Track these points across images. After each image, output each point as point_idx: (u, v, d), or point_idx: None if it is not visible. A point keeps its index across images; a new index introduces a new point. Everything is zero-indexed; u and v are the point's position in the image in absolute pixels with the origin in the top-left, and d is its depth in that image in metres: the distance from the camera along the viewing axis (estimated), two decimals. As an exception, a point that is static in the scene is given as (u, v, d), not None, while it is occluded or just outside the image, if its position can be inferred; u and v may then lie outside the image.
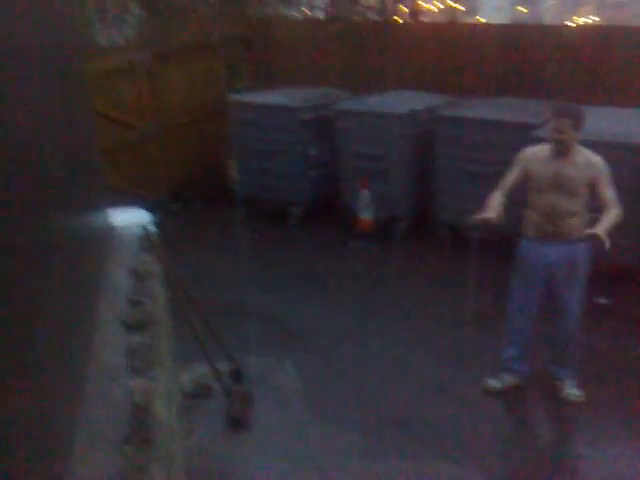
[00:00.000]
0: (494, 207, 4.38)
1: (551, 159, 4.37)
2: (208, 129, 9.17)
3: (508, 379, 4.76)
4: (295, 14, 11.31)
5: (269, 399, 4.65)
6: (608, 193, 4.30)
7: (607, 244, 3.98)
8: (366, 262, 7.33)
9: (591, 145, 5.99)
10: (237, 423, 4.30)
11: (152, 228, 4.08)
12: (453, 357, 5.24)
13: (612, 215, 4.21)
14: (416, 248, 7.41)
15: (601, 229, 4.06)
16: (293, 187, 8.12)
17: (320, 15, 10.70)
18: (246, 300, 6.26)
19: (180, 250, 7.14)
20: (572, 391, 4.63)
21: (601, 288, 5.86)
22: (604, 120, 6.51)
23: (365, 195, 7.54)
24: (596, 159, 4.35)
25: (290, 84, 9.14)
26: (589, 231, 4.09)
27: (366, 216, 7.60)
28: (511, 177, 4.51)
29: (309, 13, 11.07)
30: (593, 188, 4.31)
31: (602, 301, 5.94)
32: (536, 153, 4.48)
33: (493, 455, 4.23)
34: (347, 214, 7.84)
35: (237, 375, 4.71)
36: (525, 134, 6.40)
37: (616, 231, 5.93)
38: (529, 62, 8.19)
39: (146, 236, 3.94)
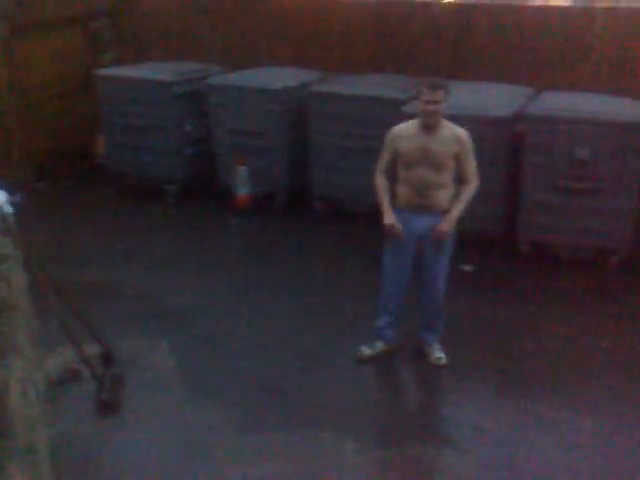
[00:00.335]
0: (389, 211, 4.55)
1: (419, 134, 4.48)
2: (74, 104, 8.74)
3: (379, 346, 4.89)
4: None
5: (142, 381, 4.55)
6: (470, 167, 4.52)
7: (448, 236, 4.50)
8: (245, 238, 7.30)
9: (455, 119, 6.28)
10: (107, 407, 4.16)
11: (8, 209, 3.81)
12: (332, 328, 5.32)
13: (467, 192, 4.52)
14: (294, 222, 7.44)
15: (449, 221, 4.47)
16: (168, 164, 7.89)
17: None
18: (120, 280, 6.07)
19: (46, 230, 6.85)
20: (440, 354, 4.82)
21: (465, 256, 6.10)
22: (468, 95, 6.77)
23: (242, 171, 7.46)
24: (461, 132, 4.51)
25: (161, 58, 8.84)
26: (437, 232, 4.48)
27: (243, 192, 7.52)
28: (385, 159, 4.64)
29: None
30: (458, 161, 4.47)
31: (466, 268, 6.21)
32: (404, 129, 4.58)
33: (366, 422, 4.34)
34: (224, 191, 7.74)
35: (107, 358, 4.56)
36: (395, 109, 6.55)
37: (478, 201, 6.27)
38: (399, 38, 8.31)
39: (1, 217, 3.69)
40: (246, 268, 6.41)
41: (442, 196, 4.52)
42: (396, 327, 4.91)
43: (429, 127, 4.43)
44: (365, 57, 8.50)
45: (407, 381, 5.00)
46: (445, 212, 4.54)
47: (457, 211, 4.51)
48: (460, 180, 4.57)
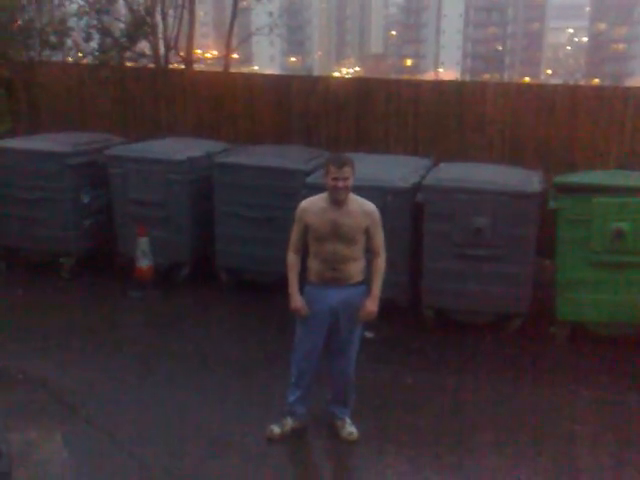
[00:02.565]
0: (296, 295, 4.48)
1: (328, 208, 4.41)
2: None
3: (289, 422, 4.68)
4: (68, 58, 10.70)
5: (32, 476, 4.10)
6: (379, 240, 4.52)
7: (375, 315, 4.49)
8: (147, 312, 6.96)
9: (358, 189, 6.31)
10: (-8, 511, 3.71)
11: None
12: (239, 406, 5.06)
13: (381, 266, 4.53)
14: (198, 294, 7.19)
15: (374, 300, 4.46)
16: (63, 237, 7.50)
17: (90, 60, 10.22)
18: (9, 364, 5.56)
19: None
20: (351, 429, 4.66)
21: (371, 323, 6.08)
22: (369, 166, 6.85)
23: (143, 242, 7.18)
24: (370, 207, 4.48)
25: (59, 129, 8.54)
26: (365, 312, 4.46)
27: (145, 264, 7.22)
28: (295, 234, 4.54)
29: (79, 56, 10.53)
30: (367, 234, 4.45)
31: (368, 335, 6.12)
32: (312, 203, 4.50)
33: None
34: (125, 262, 7.41)
35: (-7, 453, 4.09)
36: (298, 180, 6.55)
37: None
38: (301, 111, 8.42)
39: None
40: (148, 345, 6.06)
41: (354, 269, 4.46)
42: (307, 403, 4.73)
43: (338, 202, 4.40)
44: (269, 128, 8.54)
45: (319, 459, 4.77)
46: (357, 284, 4.49)
47: (378, 288, 4.46)
48: (369, 252, 4.53)
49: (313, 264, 4.51)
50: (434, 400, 5.25)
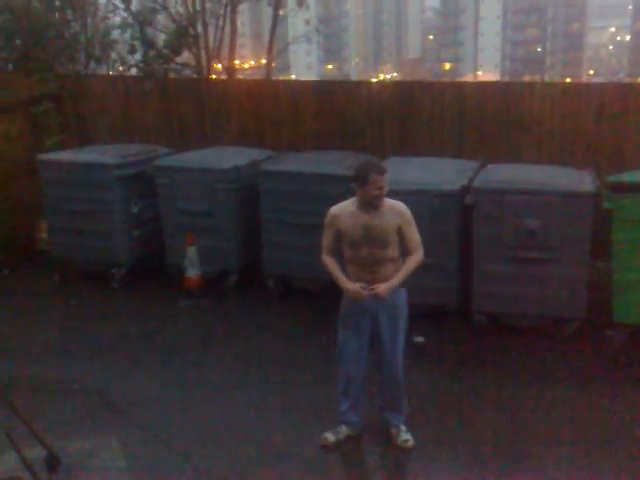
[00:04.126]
0: (347, 282, 4.41)
1: (359, 213, 4.37)
2: (15, 190, 8.43)
3: (344, 431, 4.63)
4: (110, 72, 10.88)
5: (91, 485, 4.14)
6: (413, 238, 4.44)
7: (386, 297, 4.35)
8: (196, 321, 6.97)
9: (406, 194, 6.25)
10: (53, 518, 3.75)
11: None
12: (290, 415, 5.02)
13: (411, 262, 4.43)
14: (246, 302, 7.20)
15: (388, 286, 4.34)
16: (113, 247, 7.60)
17: (135, 72, 10.36)
18: (64, 374, 5.65)
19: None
20: (407, 437, 4.58)
21: (421, 328, 6.02)
22: (416, 170, 6.79)
23: (191, 252, 7.23)
24: (400, 205, 4.44)
25: (106, 141, 8.67)
26: (373, 290, 4.32)
27: (194, 273, 7.26)
28: (328, 239, 4.50)
29: (122, 70, 10.70)
30: (400, 234, 4.39)
31: (418, 339, 6.06)
32: (343, 209, 4.45)
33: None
34: (174, 272, 7.46)
35: (52, 462, 4.14)
36: (343, 186, 6.49)
37: (432, 274, 6.18)
38: (344, 116, 8.39)
39: None
40: (198, 353, 6.09)
41: (391, 270, 4.41)
42: (359, 410, 4.67)
43: (375, 208, 4.35)
44: (312, 135, 8.52)
45: (374, 468, 4.70)
46: (398, 286, 4.44)
47: (398, 279, 4.39)
48: (405, 253, 4.47)
49: (350, 269, 4.48)
50: (488, 407, 5.13)
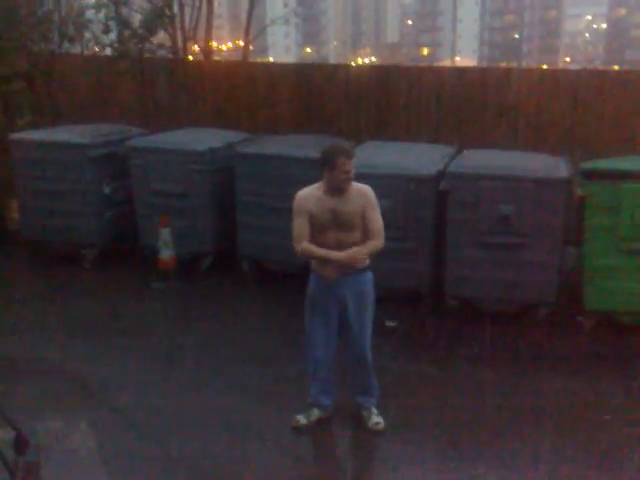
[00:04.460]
0: (332, 253, 4.30)
1: (325, 198, 4.33)
2: (-15, 169, 8.29)
3: (315, 413, 4.65)
4: (84, 51, 10.69)
5: (61, 467, 4.09)
6: (375, 221, 4.37)
7: (361, 263, 4.29)
8: (170, 302, 6.93)
9: (381, 177, 6.24)
10: (21, 500, 3.70)
11: None
12: (262, 395, 5.03)
13: (373, 244, 4.34)
14: (221, 284, 7.17)
15: (361, 250, 4.27)
16: (85, 228, 7.51)
17: (109, 52, 10.19)
18: (34, 355, 5.59)
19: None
20: (378, 419, 4.61)
21: (393, 312, 6.14)
22: (393, 154, 6.79)
23: (165, 233, 7.15)
24: (366, 189, 4.41)
25: (79, 121, 8.52)
26: (351, 255, 4.24)
27: (167, 254, 7.20)
28: (302, 226, 4.36)
29: (97, 50, 10.51)
30: (363, 216, 4.35)
31: (390, 323, 6.11)
32: (310, 194, 4.39)
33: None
34: (148, 254, 7.39)
35: (20, 443, 4.08)
36: (319, 169, 6.46)
37: (406, 257, 6.20)
38: (322, 99, 8.34)
39: None
40: (169, 335, 6.06)
41: None
42: (330, 393, 4.69)
43: (342, 192, 4.31)
44: (289, 118, 8.46)
45: (345, 450, 4.74)
46: (363, 271, 4.43)
47: (356, 250, 4.27)
48: (367, 237, 4.39)
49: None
50: (460, 391, 5.17)
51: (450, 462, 4.31)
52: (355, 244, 4.34)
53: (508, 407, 4.92)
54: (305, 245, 4.36)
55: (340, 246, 4.32)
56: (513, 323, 6.15)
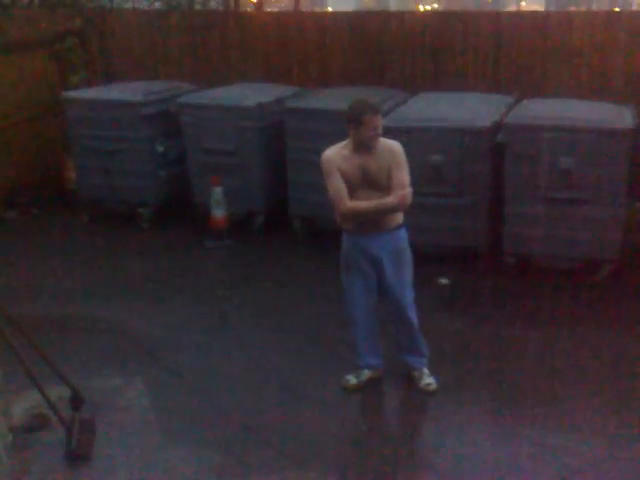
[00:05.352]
0: (387, 199, 4.19)
1: (352, 156, 4.22)
2: (42, 128, 8.48)
3: (365, 373, 4.64)
4: (133, 5, 10.66)
5: (115, 424, 4.24)
6: (397, 177, 4.20)
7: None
8: (223, 261, 7.01)
9: (435, 130, 6.08)
10: (77, 456, 3.86)
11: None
12: (313, 356, 5.05)
13: (385, 201, 4.19)
14: (273, 243, 7.19)
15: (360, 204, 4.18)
16: (141, 187, 7.60)
17: (160, 6, 10.14)
18: (89, 313, 5.75)
19: (14, 262, 6.57)
20: (429, 380, 4.58)
21: (449, 270, 6.07)
22: (447, 106, 6.59)
23: (217, 192, 7.18)
24: (394, 144, 4.29)
25: (131, 78, 8.57)
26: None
27: (220, 213, 7.23)
28: (338, 184, 4.21)
29: (149, 4, 10.47)
30: (389, 172, 4.21)
31: (443, 281, 6.02)
32: (337, 154, 4.27)
33: (351, 459, 4.09)
34: (201, 212, 7.45)
35: (76, 401, 4.25)
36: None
37: (461, 214, 6.07)
38: (375, 49, 8.13)
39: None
40: (223, 295, 6.11)
41: (391, 213, 4.30)
42: (378, 352, 4.66)
43: (370, 148, 4.18)
44: (340, 69, 8.30)
45: (395, 410, 4.72)
46: (397, 228, 4.34)
47: (364, 205, 4.19)
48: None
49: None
50: (513, 350, 5.09)
51: (504, 425, 4.25)
52: None
53: (566, 367, 4.81)
54: (351, 204, 4.23)
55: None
56: (574, 281, 5.96)
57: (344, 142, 4.30)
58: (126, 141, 7.51)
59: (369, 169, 4.20)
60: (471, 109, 6.44)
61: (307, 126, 6.83)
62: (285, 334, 5.40)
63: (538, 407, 4.38)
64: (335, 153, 4.29)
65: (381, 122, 4.19)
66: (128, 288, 6.27)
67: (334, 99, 7.04)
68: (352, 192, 4.23)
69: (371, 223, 4.29)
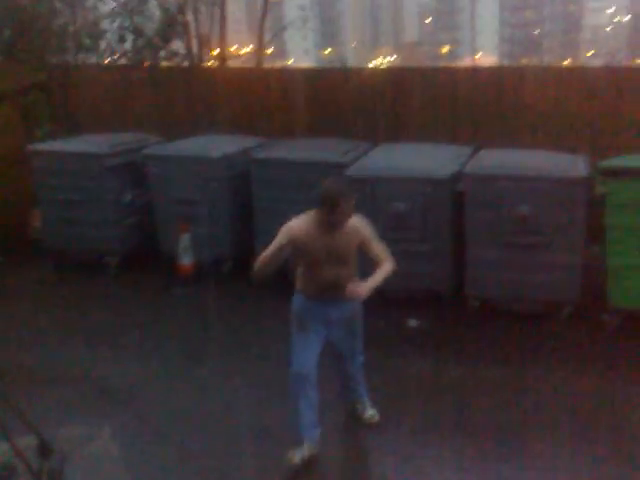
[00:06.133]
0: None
1: (319, 233, 4.15)
2: (7, 180, 8.46)
3: (310, 447, 4.35)
4: (98, 61, 10.87)
5: (84, 474, 4.20)
6: (379, 248, 4.30)
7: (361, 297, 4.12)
8: (189, 308, 7.02)
9: (398, 180, 6.29)
10: (46, 506, 3.81)
11: None
12: (279, 398, 5.07)
13: (385, 269, 4.23)
14: (241, 289, 7.20)
15: (366, 286, 4.11)
16: (107, 236, 7.65)
17: (124, 61, 10.36)
18: (57, 362, 5.73)
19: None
20: (372, 412, 4.66)
21: (415, 313, 6.21)
22: (408, 156, 6.84)
23: (184, 239, 7.27)
24: (357, 222, 4.26)
25: (97, 131, 8.68)
26: (351, 290, 4.08)
27: (186, 261, 7.32)
28: (274, 254, 4.17)
29: (113, 59, 10.68)
30: (364, 249, 4.27)
31: (412, 323, 6.18)
32: (304, 229, 4.17)
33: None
34: (167, 260, 7.52)
35: (43, 449, 4.20)
36: (337, 173, 6.55)
37: (426, 259, 6.23)
38: (336, 103, 8.42)
39: None
40: (193, 341, 6.16)
41: (349, 282, 4.18)
42: (317, 422, 4.39)
43: (336, 229, 4.14)
44: (304, 122, 8.54)
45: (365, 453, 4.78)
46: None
47: (376, 280, 4.18)
48: (375, 263, 4.29)
49: (309, 284, 4.31)
50: (483, 391, 5.20)
51: (471, 462, 4.34)
52: (350, 277, 4.20)
53: (532, 407, 4.94)
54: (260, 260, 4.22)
55: (336, 282, 4.18)
56: (536, 323, 6.15)
57: (307, 216, 4.22)
58: (91, 191, 7.58)
59: (336, 248, 4.16)
60: (432, 159, 6.71)
61: (273, 175, 7.00)
62: (258, 377, 5.43)
63: (501, 449, 4.47)
64: (300, 229, 4.18)
65: (347, 211, 4.10)
66: (93, 336, 6.27)
67: (298, 149, 7.27)
68: (318, 267, 4.20)
69: (329, 295, 4.24)
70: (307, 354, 4.31)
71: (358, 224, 4.27)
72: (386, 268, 4.25)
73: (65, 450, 4.32)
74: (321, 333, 4.36)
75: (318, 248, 4.15)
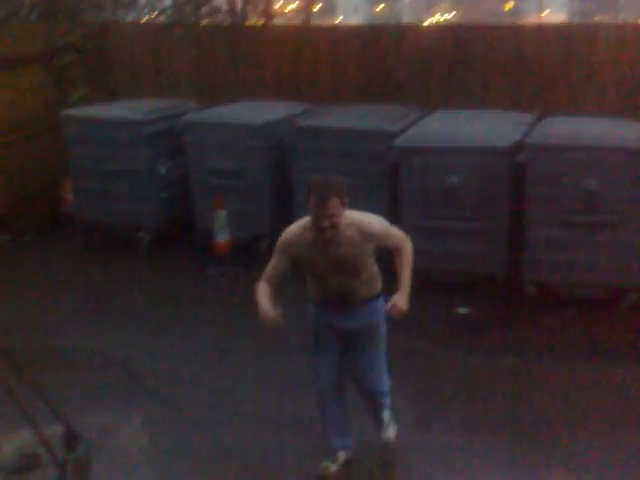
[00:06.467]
0: (268, 309, 3.88)
1: (317, 241, 3.72)
2: (38, 148, 8.54)
3: (342, 455, 4.22)
4: (135, 19, 10.82)
5: (111, 464, 4.23)
6: (395, 238, 3.92)
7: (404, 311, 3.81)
8: (224, 289, 6.95)
9: (450, 151, 6.11)
10: (70, 499, 3.86)
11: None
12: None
13: (407, 256, 3.90)
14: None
15: (403, 298, 3.82)
16: (141, 210, 7.64)
17: (163, 19, 10.29)
18: (87, 345, 5.76)
19: (5, 291, 6.61)
20: (388, 434, 4.26)
21: (466, 299, 6.10)
22: (463, 124, 6.63)
23: (220, 216, 7.20)
24: (371, 227, 3.81)
25: (133, 95, 8.67)
26: (395, 310, 3.80)
27: (223, 238, 7.26)
28: (274, 268, 3.92)
29: (151, 17, 10.62)
30: (379, 247, 3.90)
31: (461, 310, 6.03)
32: (298, 235, 3.82)
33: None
34: (203, 237, 7.47)
35: (70, 439, 4.23)
36: (386, 142, 6.40)
37: (479, 240, 6.05)
38: (388, 65, 8.20)
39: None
40: (226, 324, 6.12)
41: (366, 290, 3.95)
42: (347, 431, 4.26)
43: (331, 235, 3.68)
44: (353, 86, 8.36)
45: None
46: (372, 299, 4.00)
47: (407, 282, 3.86)
48: (393, 251, 3.95)
49: (318, 293, 4.01)
50: (536, 385, 5.05)
51: (521, 463, 4.23)
52: (364, 283, 3.91)
53: (588, 402, 4.80)
54: (259, 287, 3.95)
55: (344, 291, 3.88)
56: (599, 310, 5.93)
57: (304, 221, 3.82)
58: (126, 162, 7.56)
59: (341, 259, 3.77)
60: (489, 127, 6.48)
61: (318, 145, 6.86)
62: (293, 361, 5.33)
63: (554, 444, 4.35)
64: (294, 236, 3.85)
65: (336, 213, 3.61)
66: (124, 319, 6.28)
67: (344, 117, 7.10)
68: (321, 278, 3.91)
69: (342, 304, 3.94)
70: (324, 369, 4.14)
71: (368, 229, 3.79)
72: (407, 257, 3.91)
73: (93, 439, 4.38)
74: (336, 345, 4.11)
75: (318, 257, 3.78)
